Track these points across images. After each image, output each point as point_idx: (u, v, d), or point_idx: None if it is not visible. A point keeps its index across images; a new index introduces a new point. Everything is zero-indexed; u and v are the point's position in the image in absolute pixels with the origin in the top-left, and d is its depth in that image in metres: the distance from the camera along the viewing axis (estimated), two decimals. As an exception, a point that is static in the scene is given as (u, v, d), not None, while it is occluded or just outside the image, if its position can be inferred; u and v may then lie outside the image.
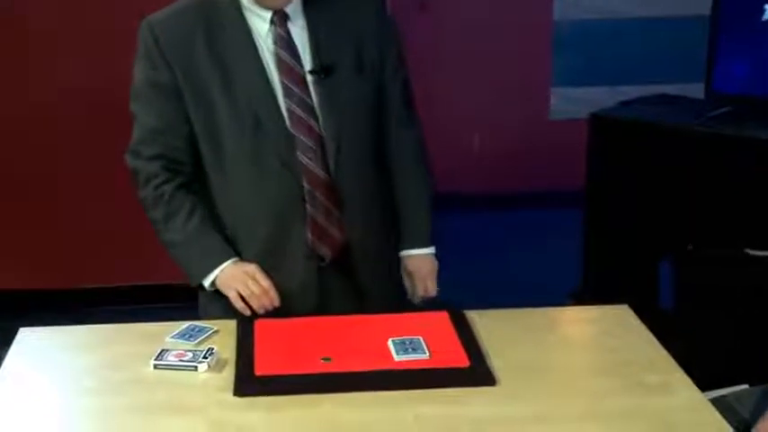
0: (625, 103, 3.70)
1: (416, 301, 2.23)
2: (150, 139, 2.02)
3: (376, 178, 2.13)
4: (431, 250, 2.23)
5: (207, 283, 2.04)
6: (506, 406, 1.67)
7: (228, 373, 1.79)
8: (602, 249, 3.64)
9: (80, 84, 3.82)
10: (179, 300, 3.83)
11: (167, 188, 2.03)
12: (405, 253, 2.22)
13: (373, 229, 2.14)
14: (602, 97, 4.21)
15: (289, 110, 1.99)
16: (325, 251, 2.08)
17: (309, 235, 2.05)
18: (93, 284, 4.08)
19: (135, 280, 4.09)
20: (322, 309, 2.08)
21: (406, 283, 2.24)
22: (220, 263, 2.03)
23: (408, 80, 2.18)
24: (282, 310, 2.03)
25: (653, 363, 1.82)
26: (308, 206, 2.03)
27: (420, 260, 2.21)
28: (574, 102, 5.01)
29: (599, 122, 3.63)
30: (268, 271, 2.03)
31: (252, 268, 2.01)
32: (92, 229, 4.03)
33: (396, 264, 2.23)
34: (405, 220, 2.21)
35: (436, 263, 2.23)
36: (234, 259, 2.04)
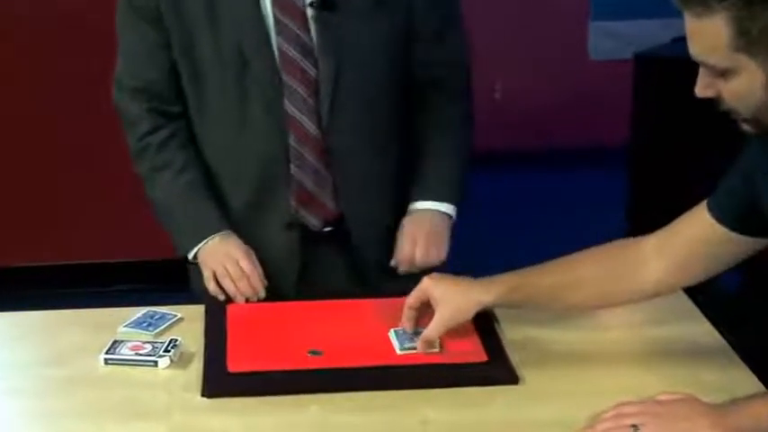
0: (679, 40, 3.68)
1: (395, 266, 2.13)
2: (131, 68, 2.09)
3: (386, 138, 2.12)
4: (441, 207, 2.15)
5: (191, 256, 2.08)
6: (531, 408, 1.68)
7: (195, 370, 1.79)
8: (650, 217, 3.63)
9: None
10: (135, 280, 3.88)
11: (152, 140, 2.09)
12: (409, 207, 2.16)
13: (377, 199, 2.13)
14: (650, 32, 4.20)
15: (280, 49, 2.00)
16: (313, 221, 2.09)
17: (293, 201, 2.07)
18: (21, 262, 4.07)
19: (77, 257, 4.08)
20: (306, 289, 2.10)
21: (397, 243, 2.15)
22: (206, 236, 2.06)
23: (455, 26, 2.12)
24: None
25: (710, 356, 1.82)
26: (292, 167, 2.04)
27: (419, 216, 2.14)
28: (616, 38, 4.99)
29: (646, 63, 3.62)
30: (245, 238, 2.06)
31: (236, 250, 2.03)
32: (19, 197, 4.02)
33: None
34: (418, 171, 2.17)
35: (445, 228, 2.15)
36: (224, 233, 2.07)
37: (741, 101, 1.46)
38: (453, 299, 1.79)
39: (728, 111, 1.49)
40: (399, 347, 1.83)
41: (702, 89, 1.49)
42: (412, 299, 1.83)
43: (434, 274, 1.85)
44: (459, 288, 1.82)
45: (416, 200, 2.16)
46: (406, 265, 2.12)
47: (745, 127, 1.50)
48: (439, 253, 2.13)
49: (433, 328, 1.79)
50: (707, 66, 1.46)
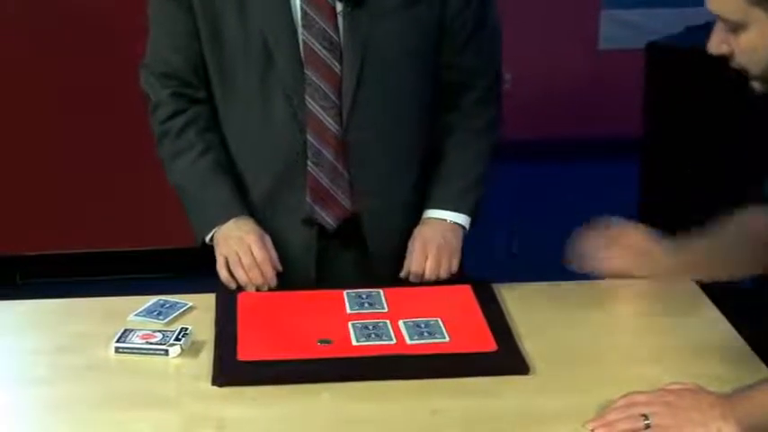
0: (692, 29, 3.67)
1: (405, 277, 2.11)
2: (159, 54, 2.12)
3: (407, 139, 2.12)
4: (455, 217, 2.13)
5: (207, 239, 2.10)
6: (541, 398, 1.69)
7: (206, 359, 1.80)
8: (662, 209, 3.63)
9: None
10: (146, 269, 3.89)
11: (173, 124, 2.11)
12: (423, 216, 2.16)
13: (394, 201, 2.13)
14: (663, 21, 4.19)
15: (305, 43, 2.00)
16: (328, 220, 2.10)
17: (308, 199, 2.08)
18: (32, 251, 4.09)
19: (88, 246, 4.10)
20: (322, 284, 2.10)
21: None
22: (222, 219, 2.07)
23: (489, 27, 2.10)
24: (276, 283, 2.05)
25: (723, 350, 1.82)
26: (309, 163, 2.05)
27: (432, 226, 2.13)
28: (628, 27, 4.98)
29: (659, 53, 3.61)
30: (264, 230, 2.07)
31: (250, 235, 2.04)
32: (29, 184, 4.04)
33: None
34: (436, 177, 2.16)
35: (457, 240, 2.13)
36: (239, 217, 2.08)
37: (752, 56, 1.50)
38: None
39: (739, 69, 1.52)
40: (409, 338, 1.83)
41: (716, 45, 1.53)
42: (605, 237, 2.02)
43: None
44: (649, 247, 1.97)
45: (431, 207, 2.14)
46: (415, 278, 2.09)
47: (756, 85, 1.54)
48: (450, 266, 2.10)
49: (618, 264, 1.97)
50: (722, 19, 1.50)
